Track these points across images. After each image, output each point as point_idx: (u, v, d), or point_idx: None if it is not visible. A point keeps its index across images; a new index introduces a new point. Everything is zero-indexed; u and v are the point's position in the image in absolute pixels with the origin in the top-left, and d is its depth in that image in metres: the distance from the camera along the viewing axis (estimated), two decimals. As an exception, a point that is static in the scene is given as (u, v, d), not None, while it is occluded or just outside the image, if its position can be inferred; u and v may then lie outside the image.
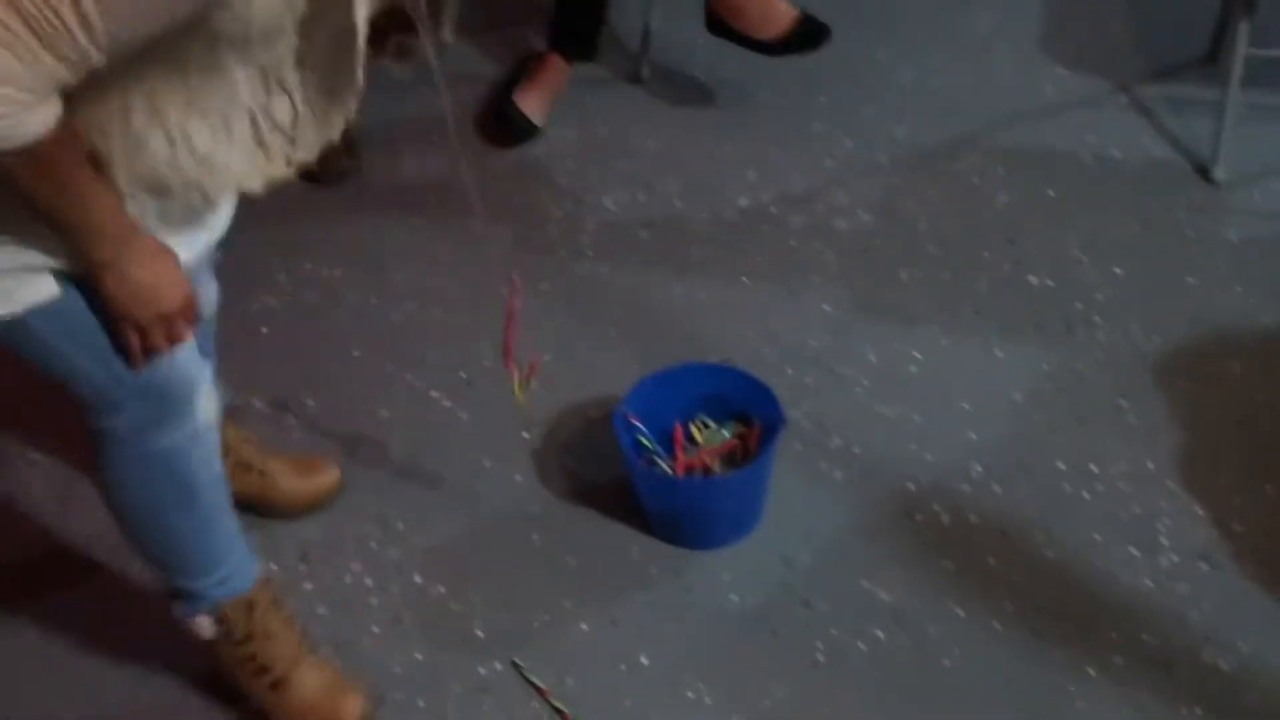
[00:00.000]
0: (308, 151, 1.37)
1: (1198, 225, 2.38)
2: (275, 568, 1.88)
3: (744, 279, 2.33)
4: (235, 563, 1.62)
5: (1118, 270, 2.30)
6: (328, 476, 1.96)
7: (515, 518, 1.95)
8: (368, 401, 2.14)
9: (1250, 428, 2.02)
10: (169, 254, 1.34)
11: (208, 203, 1.38)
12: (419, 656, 1.79)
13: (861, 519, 1.92)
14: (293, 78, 1.30)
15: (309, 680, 1.68)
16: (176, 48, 1.20)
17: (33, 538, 1.97)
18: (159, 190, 1.30)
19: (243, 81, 1.27)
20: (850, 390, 2.12)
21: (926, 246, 2.37)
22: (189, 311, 1.38)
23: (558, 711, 1.72)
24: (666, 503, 1.90)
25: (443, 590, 1.87)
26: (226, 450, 1.84)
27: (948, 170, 2.53)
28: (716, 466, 1.93)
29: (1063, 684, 1.71)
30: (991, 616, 1.79)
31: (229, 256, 1.64)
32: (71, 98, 1.15)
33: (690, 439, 1.96)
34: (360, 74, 1.33)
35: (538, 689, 1.74)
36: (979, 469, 1.98)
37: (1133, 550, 1.86)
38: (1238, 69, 2.40)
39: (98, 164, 1.24)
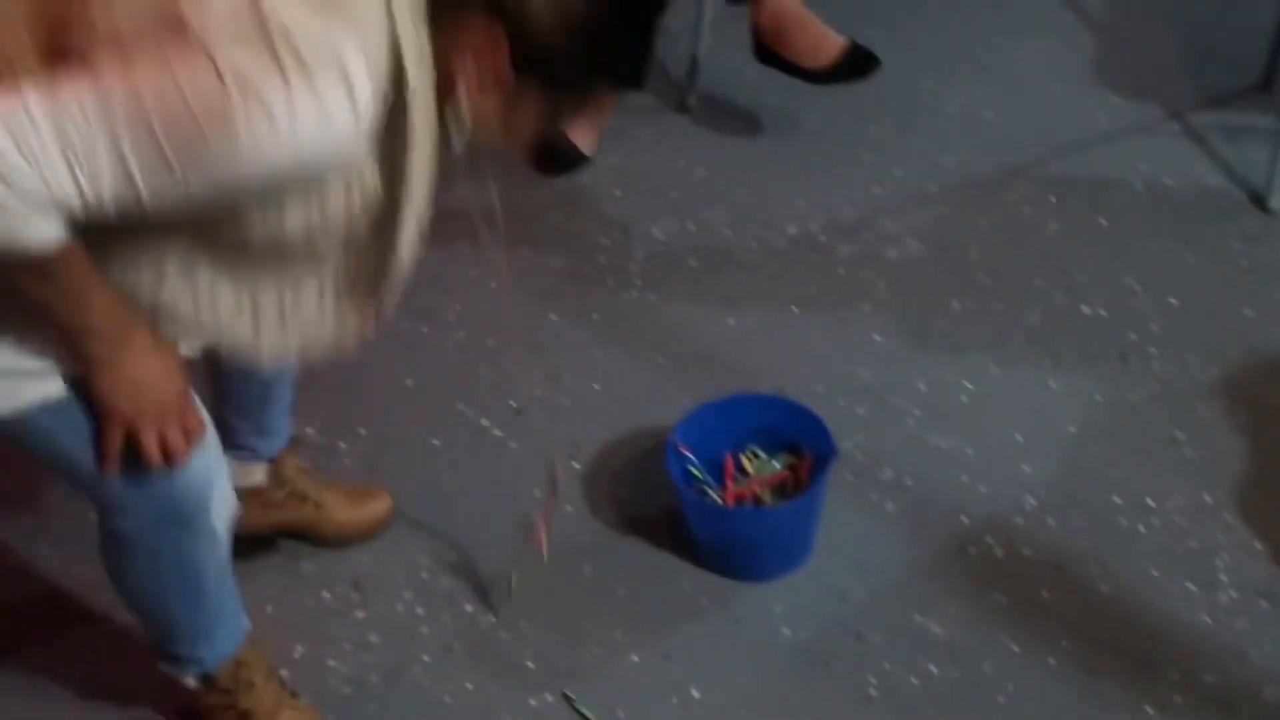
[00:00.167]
0: (327, 335, 1.38)
1: (1253, 254, 2.36)
2: (328, 595, 1.90)
3: (793, 308, 2.33)
4: (228, 629, 1.60)
5: (1172, 300, 2.28)
6: (380, 505, 1.97)
7: (566, 547, 1.95)
8: (419, 431, 2.15)
9: (1310, 461, 1.99)
10: (166, 350, 1.32)
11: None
12: (469, 686, 1.79)
13: (914, 551, 1.91)
14: (325, 273, 1.32)
15: None
16: (215, 220, 1.21)
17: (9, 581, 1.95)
18: (171, 327, 1.32)
19: (272, 265, 1.29)
20: (901, 421, 2.10)
21: (977, 275, 2.36)
22: (184, 411, 1.34)
23: (609, 744, 1.71)
24: (717, 533, 1.90)
25: (493, 620, 1.87)
26: (284, 482, 1.87)
27: (998, 199, 2.52)
28: (767, 497, 1.93)
29: (1120, 722, 1.69)
30: (1046, 652, 1.77)
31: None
32: (105, 231, 1.15)
33: (741, 469, 1.95)
34: (401, 272, 1.33)
35: (589, 721, 1.74)
36: (1032, 501, 1.97)
37: (1190, 586, 1.84)
38: (1293, 97, 2.39)
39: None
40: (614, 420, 2.12)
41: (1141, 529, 1.92)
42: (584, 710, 1.74)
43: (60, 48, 1.13)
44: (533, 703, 1.76)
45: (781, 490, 1.93)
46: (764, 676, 1.78)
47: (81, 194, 1.09)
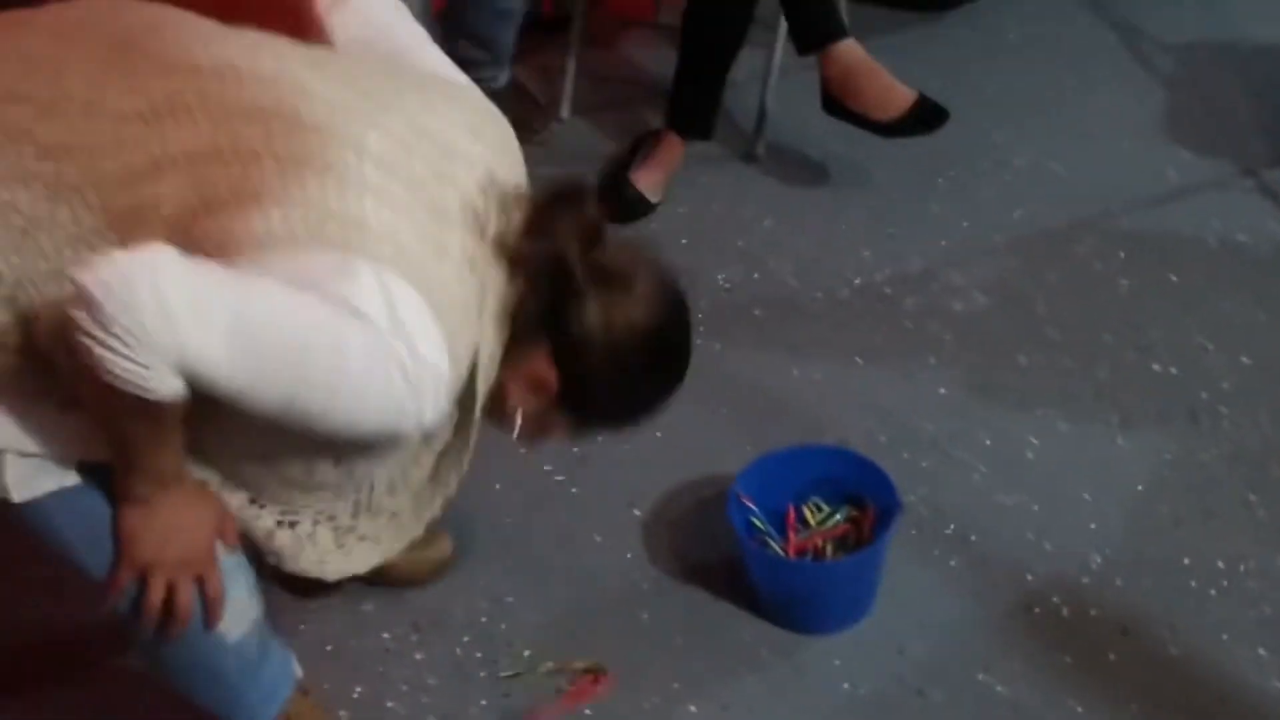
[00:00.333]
0: (378, 545, 1.49)
1: (1329, 314, 2.32)
2: (387, 636, 1.91)
3: (858, 359, 2.32)
4: (266, 693, 1.56)
5: (1245, 359, 2.24)
6: (441, 548, 1.98)
7: (625, 595, 1.95)
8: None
9: (1388, 526, 1.95)
10: (205, 504, 1.34)
11: None
12: (526, 732, 1.79)
13: (978, 609, 1.88)
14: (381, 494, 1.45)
15: None
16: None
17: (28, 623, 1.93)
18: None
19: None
20: (967, 476, 2.08)
21: (1045, 330, 2.33)
22: (205, 570, 1.35)
23: (665, 795, 1.70)
24: (778, 585, 1.88)
25: (551, 666, 1.86)
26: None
27: (1067, 253, 2.50)
28: (829, 550, 1.91)
29: (1189, 790, 1.65)
30: (1112, 715, 1.74)
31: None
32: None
33: (803, 521, 1.94)
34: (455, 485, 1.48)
35: (645, 771, 1.73)
36: (1099, 561, 1.93)
37: (1262, 651, 1.80)
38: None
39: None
40: (675, 468, 2.12)
41: (1212, 592, 1.88)
42: (640, 760, 1.73)
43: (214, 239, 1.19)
44: (589, 751, 1.76)
45: (843, 543, 1.91)
46: (823, 731, 1.76)
47: (198, 364, 1.13)
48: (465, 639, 1.91)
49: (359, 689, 1.84)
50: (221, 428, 1.27)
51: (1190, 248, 2.49)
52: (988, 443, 2.13)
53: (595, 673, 1.75)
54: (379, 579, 1.94)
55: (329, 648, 1.89)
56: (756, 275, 2.51)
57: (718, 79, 2.62)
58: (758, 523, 1.91)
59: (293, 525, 1.44)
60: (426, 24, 1.57)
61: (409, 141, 1.25)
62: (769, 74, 2.78)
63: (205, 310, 1.11)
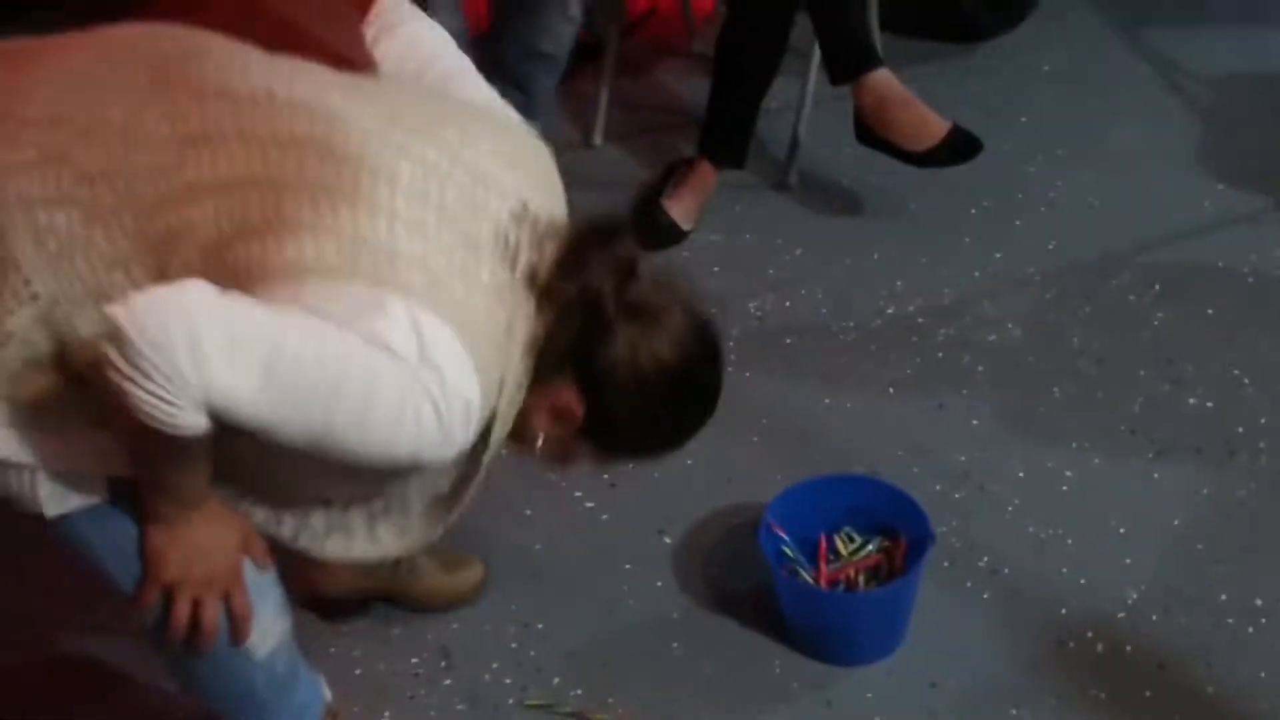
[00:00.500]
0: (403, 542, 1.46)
1: (1368, 349, 2.30)
2: (416, 661, 1.91)
3: (890, 389, 2.31)
4: (301, 716, 1.55)
5: (1282, 394, 2.22)
6: (472, 573, 1.98)
7: (655, 623, 1.94)
8: (511, 499, 2.15)
9: None
10: (232, 523, 1.35)
11: None
12: (554, 760, 1.78)
13: (1010, 643, 1.87)
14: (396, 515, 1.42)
15: None
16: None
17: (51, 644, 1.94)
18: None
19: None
20: (1000, 508, 2.07)
21: (1078, 363, 2.32)
22: (231, 588, 1.36)
23: (694, 827, 1.69)
24: (809, 615, 1.87)
25: (580, 693, 1.85)
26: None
27: (1101, 286, 2.48)
28: (861, 580, 1.90)
29: (1226, 831, 1.63)
30: (1148, 753, 1.72)
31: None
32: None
33: (834, 551, 1.93)
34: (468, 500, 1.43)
35: (674, 802, 1.71)
36: (1135, 596, 1.91)
37: (1301, 690, 1.78)
38: None
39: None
40: (706, 496, 2.11)
41: (1250, 630, 1.85)
42: (669, 790, 1.72)
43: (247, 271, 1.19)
44: (618, 780, 1.75)
45: (875, 573, 1.90)
46: (854, 765, 1.74)
47: (226, 403, 1.14)
48: (494, 665, 1.90)
49: (387, 714, 1.84)
50: (249, 454, 1.28)
51: (1226, 281, 2.47)
52: (1021, 475, 2.12)
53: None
54: (408, 602, 1.94)
55: (358, 671, 1.88)
56: (788, 304, 2.51)
57: (751, 108, 2.62)
58: (789, 552, 1.90)
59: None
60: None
61: (443, 170, 1.25)
62: (802, 103, 2.79)
63: (238, 351, 1.12)
